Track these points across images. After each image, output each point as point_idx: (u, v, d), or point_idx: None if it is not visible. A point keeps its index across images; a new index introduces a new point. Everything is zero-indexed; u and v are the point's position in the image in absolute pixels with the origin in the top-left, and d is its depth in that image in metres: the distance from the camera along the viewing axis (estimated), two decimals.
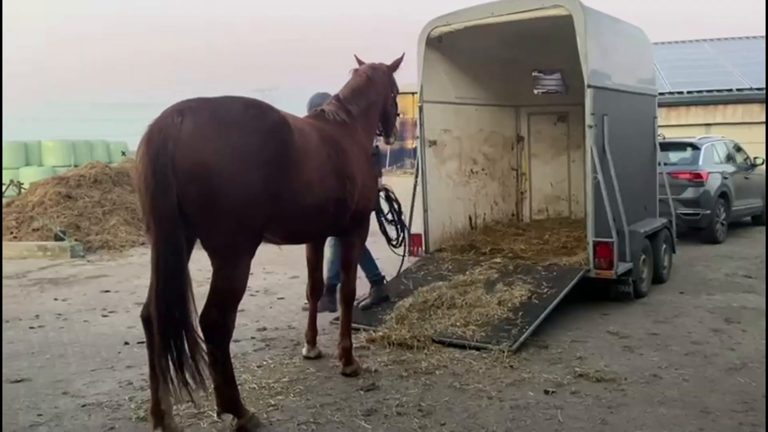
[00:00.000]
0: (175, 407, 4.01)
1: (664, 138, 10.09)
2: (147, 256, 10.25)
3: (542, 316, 5.48)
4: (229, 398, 3.66)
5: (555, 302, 5.70)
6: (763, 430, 3.72)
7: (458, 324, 5.41)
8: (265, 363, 4.93)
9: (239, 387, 4.31)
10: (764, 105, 14.95)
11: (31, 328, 6.12)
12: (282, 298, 7.16)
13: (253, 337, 5.63)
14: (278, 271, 8.59)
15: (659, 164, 8.24)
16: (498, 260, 6.80)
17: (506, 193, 9.11)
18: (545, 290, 5.92)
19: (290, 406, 4.12)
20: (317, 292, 5.08)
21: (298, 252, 10.28)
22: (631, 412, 3.99)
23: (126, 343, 5.58)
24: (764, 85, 14.84)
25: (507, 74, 8.71)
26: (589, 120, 6.27)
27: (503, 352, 4.93)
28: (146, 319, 3.58)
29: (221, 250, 3.55)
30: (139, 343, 5.56)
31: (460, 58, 7.84)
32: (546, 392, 4.29)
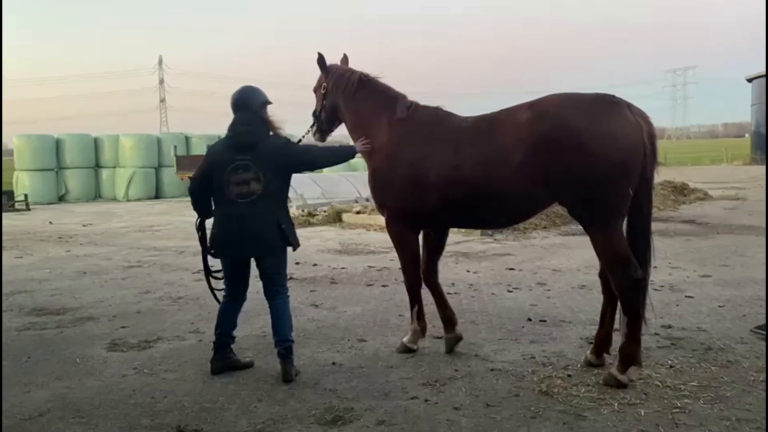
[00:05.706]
0: (574, 390, 4.12)
1: None
2: (548, 239, 10.66)
3: None
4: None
5: None
6: None
7: None
8: (669, 362, 4.63)
9: (643, 382, 4.22)
10: None
11: (448, 293, 6.92)
12: (690, 297, 6.60)
13: (656, 333, 5.33)
14: (686, 268, 7.96)
15: None
16: None
17: None
18: None
19: (699, 412, 3.79)
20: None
21: (709, 249, 9.37)
22: None
23: (529, 320, 5.89)
24: None
25: None
26: None
27: None
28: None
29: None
30: (540, 321, 5.83)
31: None
32: None
